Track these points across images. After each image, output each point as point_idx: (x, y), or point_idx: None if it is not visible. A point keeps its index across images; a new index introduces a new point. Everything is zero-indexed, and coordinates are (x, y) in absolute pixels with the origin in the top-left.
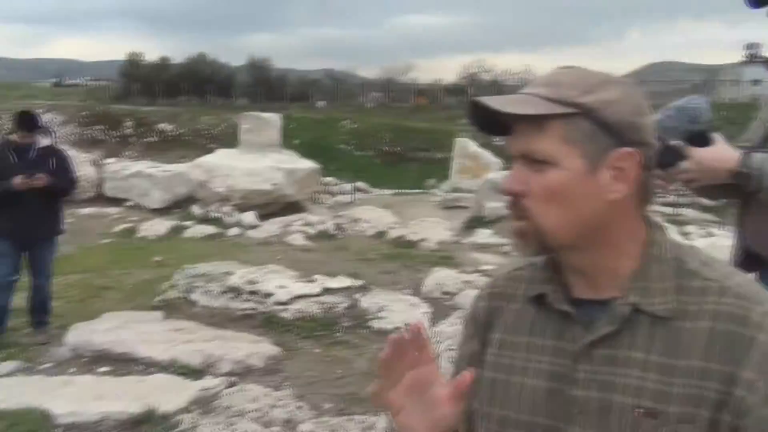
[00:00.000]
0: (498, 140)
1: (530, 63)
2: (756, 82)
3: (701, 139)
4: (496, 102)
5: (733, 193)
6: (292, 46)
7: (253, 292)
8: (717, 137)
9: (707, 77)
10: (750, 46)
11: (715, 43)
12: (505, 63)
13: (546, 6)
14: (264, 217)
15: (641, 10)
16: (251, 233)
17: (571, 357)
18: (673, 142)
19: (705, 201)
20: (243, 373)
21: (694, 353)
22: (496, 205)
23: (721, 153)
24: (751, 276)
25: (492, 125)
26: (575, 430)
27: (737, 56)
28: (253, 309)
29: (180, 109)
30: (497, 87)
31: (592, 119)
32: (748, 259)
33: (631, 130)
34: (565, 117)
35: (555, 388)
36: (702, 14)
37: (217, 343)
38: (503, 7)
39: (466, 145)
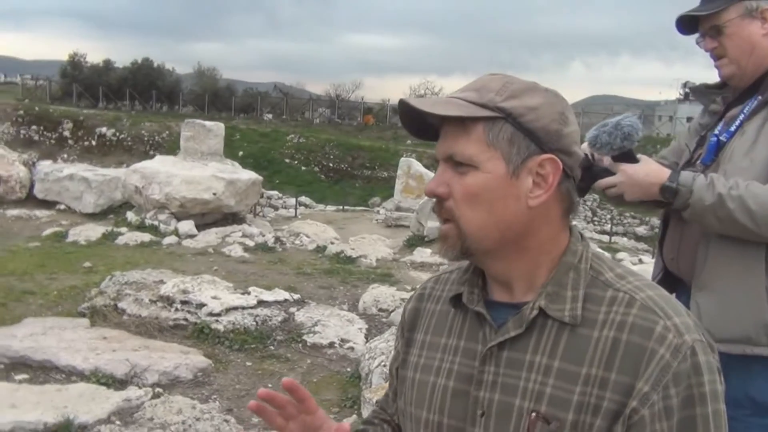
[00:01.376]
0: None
1: None
2: (689, 119)
3: (629, 157)
4: (422, 103)
5: (655, 210)
6: (240, 57)
7: (185, 302)
8: (645, 157)
9: (645, 112)
10: (686, 84)
11: (652, 80)
12: (451, 85)
13: (492, 34)
14: (202, 226)
15: (584, 44)
16: (188, 242)
17: (479, 358)
18: (604, 157)
19: (639, 230)
20: (170, 385)
21: (596, 361)
22: (436, 225)
23: (651, 169)
24: (665, 292)
25: (423, 129)
26: (477, 430)
27: (673, 94)
28: (185, 319)
29: (122, 113)
30: None
31: (515, 124)
32: (667, 278)
33: (552, 137)
34: (488, 120)
35: (461, 388)
36: (642, 51)
37: (143, 353)
38: (452, 33)
39: (411, 165)
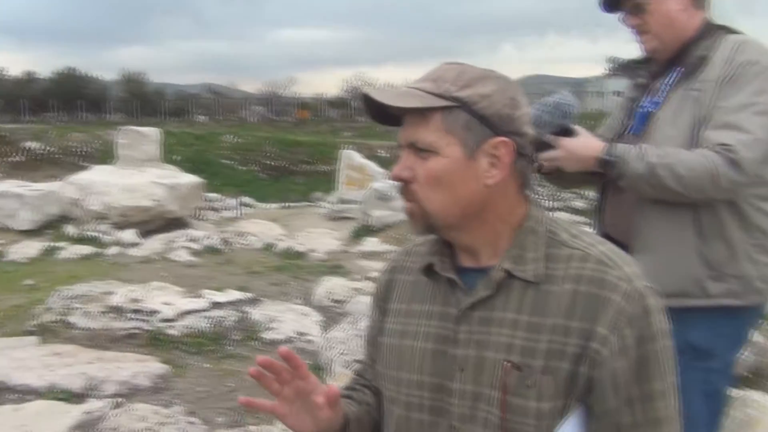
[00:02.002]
0: (382, 152)
1: (410, 76)
2: (618, 93)
3: (567, 131)
4: (383, 96)
5: (583, 184)
6: (167, 60)
7: (136, 311)
8: (581, 130)
9: (575, 89)
10: (612, 59)
11: (580, 57)
12: (385, 76)
13: (423, 22)
14: (145, 234)
15: (512, 25)
16: (132, 251)
17: (454, 320)
18: (544, 133)
19: (577, 204)
20: (129, 394)
21: (559, 312)
22: (382, 214)
23: (588, 142)
24: (614, 246)
25: (385, 117)
26: (456, 385)
27: (600, 70)
28: (138, 328)
29: (48, 126)
30: None
31: (469, 111)
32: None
33: (505, 121)
34: (445, 109)
35: (440, 349)
36: (568, 30)
37: (99, 365)
38: (381, 23)
39: (351, 157)
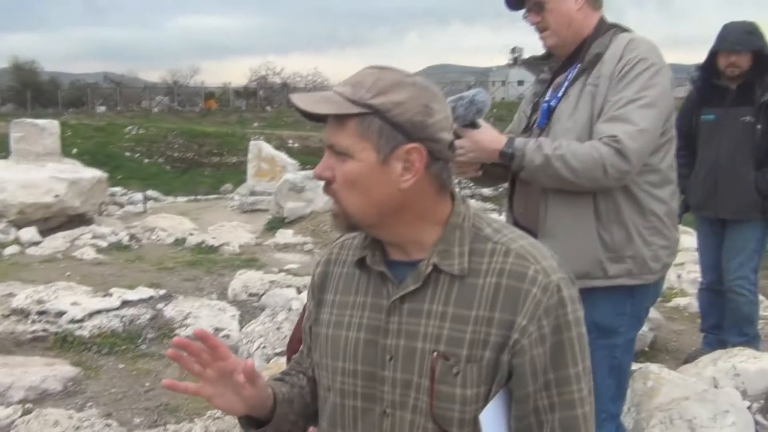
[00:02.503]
0: (292, 142)
1: (317, 65)
2: (521, 82)
3: (474, 125)
4: (303, 102)
5: (503, 180)
6: (61, 48)
7: (42, 312)
8: (486, 124)
9: (479, 78)
10: (514, 50)
11: (483, 47)
12: (292, 65)
13: (330, 11)
14: (46, 232)
15: (417, 14)
16: (32, 250)
17: (384, 311)
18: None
19: (485, 191)
20: (39, 399)
21: (483, 304)
22: (296, 205)
23: (492, 136)
24: (534, 240)
25: (316, 116)
26: (387, 374)
27: (504, 59)
28: (44, 330)
29: None
30: (288, 89)
31: (382, 118)
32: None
33: (417, 128)
34: (359, 116)
35: (371, 339)
36: (471, 19)
37: (4, 371)
38: (286, 10)
39: (261, 148)
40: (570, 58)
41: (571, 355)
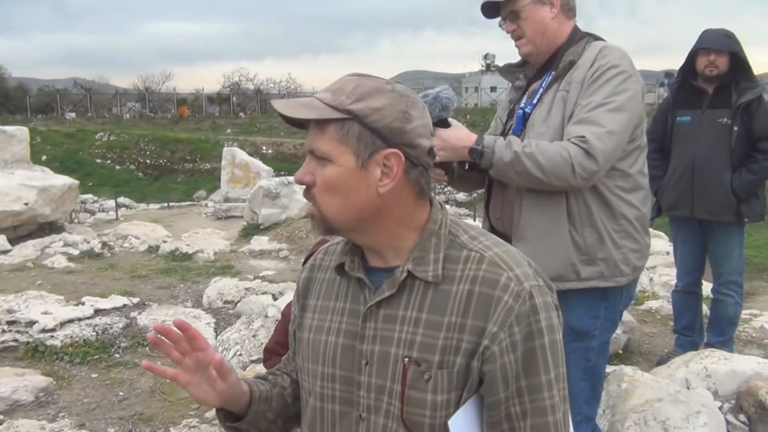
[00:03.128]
0: (266, 149)
1: (291, 71)
2: (493, 88)
3: (444, 123)
4: (284, 107)
5: (479, 185)
6: (30, 53)
7: (12, 322)
8: (456, 122)
9: (452, 84)
10: (486, 56)
11: (456, 53)
12: (266, 71)
13: (303, 17)
14: (15, 240)
15: (389, 22)
16: (1, 259)
17: (361, 317)
18: None
19: (459, 197)
20: (9, 410)
21: (455, 311)
22: (270, 212)
23: (461, 134)
24: (510, 247)
25: (298, 122)
26: (363, 378)
27: (476, 66)
28: (15, 340)
29: None
30: (261, 95)
31: (361, 123)
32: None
33: (395, 134)
34: (338, 121)
35: (348, 344)
36: (444, 27)
37: None
38: (259, 16)
39: (235, 154)
40: (545, 65)
41: (543, 362)
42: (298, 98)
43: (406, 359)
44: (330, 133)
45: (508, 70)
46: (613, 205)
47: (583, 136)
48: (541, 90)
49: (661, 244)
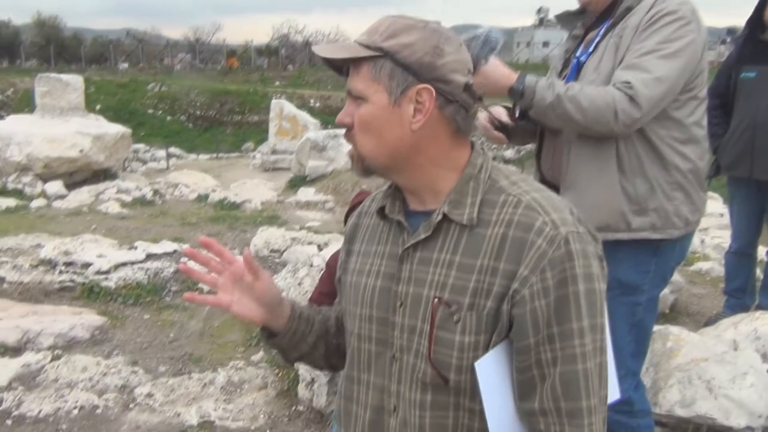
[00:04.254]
0: (314, 102)
1: (339, 23)
2: (545, 44)
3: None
4: (322, 49)
5: (532, 137)
6: (84, 3)
7: (69, 264)
8: (496, 59)
9: (504, 39)
10: (540, 10)
11: (508, 8)
12: (314, 23)
13: None
14: (71, 186)
15: None
16: (58, 204)
17: (398, 259)
18: None
19: (507, 153)
20: (67, 346)
21: (488, 254)
22: (317, 164)
23: (503, 72)
24: (552, 194)
25: (337, 66)
26: (398, 318)
27: (529, 20)
28: (71, 281)
29: None
30: (310, 47)
31: (392, 60)
32: (544, 185)
33: (427, 69)
34: (371, 59)
35: (386, 285)
36: None
37: (33, 318)
38: None
39: (283, 107)
40: (603, 13)
41: (575, 309)
42: (338, 42)
43: (436, 300)
44: (363, 72)
45: (566, 18)
46: (665, 156)
47: (629, 82)
48: (597, 38)
49: (714, 205)
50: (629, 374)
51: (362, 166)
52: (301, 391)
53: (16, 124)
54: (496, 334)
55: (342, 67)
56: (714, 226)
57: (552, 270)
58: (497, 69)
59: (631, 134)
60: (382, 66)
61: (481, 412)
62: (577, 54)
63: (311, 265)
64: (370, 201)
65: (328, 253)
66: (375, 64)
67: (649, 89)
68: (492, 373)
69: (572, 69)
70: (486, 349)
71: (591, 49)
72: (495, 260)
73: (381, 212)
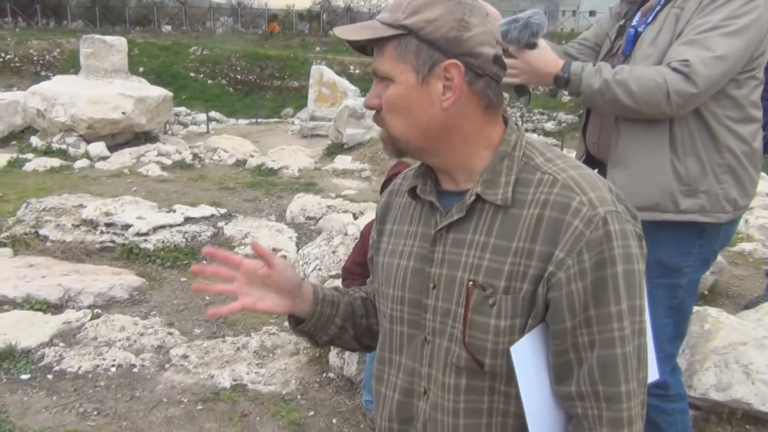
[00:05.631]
0: (353, 68)
1: None
2: (592, 13)
3: (532, 46)
4: (344, 32)
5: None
6: None
7: (109, 224)
8: (544, 44)
9: (548, 7)
10: None
11: None
12: None
13: None
14: (114, 147)
15: None
16: (101, 165)
17: (431, 240)
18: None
19: (548, 126)
20: (106, 305)
21: (524, 236)
22: (355, 132)
23: (548, 59)
24: (589, 171)
25: (361, 46)
26: (430, 301)
27: None
28: (112, 241)
29: (4, 32)
30: (351, 13)
31: (417, 37)
32: (588, 161)
33: (453, 44)
34: (395, 38)
35: (418, 267)
36: None
37: (75, 277)
38: None
39: (323, 73)
40: None
41: (614, 292)
42: (360, 22)
43: (470, 283)
44: (389, 52)
45: None
46: (719, 136)
47: (687, 60)
48: (657, 7)
49: (762, 185)
50: (666, 357)
51: (394, 148)
52: (332, 358)
53: (61, 84)
54: (531, 317)
55: (366, 47)
56: (759, 206)
57: (589, 252)
58: (541, 56)
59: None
60: (407, 44)
61: (517, 396)
62: (634, 23)
63: (346, 234)
64: (402, 179)
65: (363, 222)
66: (399, 42)
67: (708, 68)
68: (528, 357)
69: (628, 39)
70: (521, 333)
71: (650, 19)
72: (530, 242)
73: (412, 192)
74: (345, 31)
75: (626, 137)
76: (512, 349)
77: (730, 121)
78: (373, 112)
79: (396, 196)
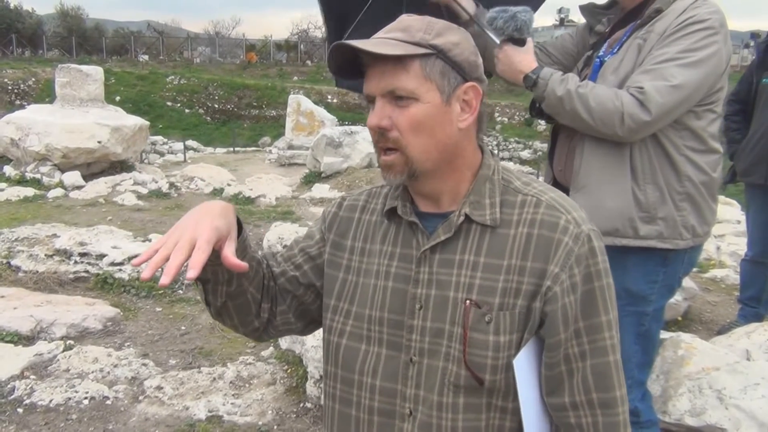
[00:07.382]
0: (331, 98)
1: None
2: None
3: (520, 43)
4: (364, 44)
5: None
6: None
7: (84, 254)
8: (531, 46)
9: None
10: (561, 10)
11: None
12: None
13: None
14: (89, 176)
15: None
16: (75, 194)
17: (415, 261)
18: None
19: (524, 154)
20: (80, 336)
21: (515, 254)
22: (333, 160)
23: (524, 58)
24: (562, 194)
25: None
26: (416, 321)
27: (549, 20)
28: (86, 271)
29: None
30: (328, 43)
31: (444, 58)
32: (555, 186)
33: (472, 67)
34: (423, 57)
35: (400, 288)
36: None
37: (47, 308)
38: None
39: (301, 102)
40: (631, 12)
41: (602, 303)
42: (370, 38)
43: (468, 302)
44: (414, 71)
45: (591, 11)
46: (679, 165)
47: (642, 87)
48: (624, 38)
49: (731, 212)
50: (636, 384)
51: (409, 170)
52: (309, 388)
53: (36, 113)
54: (527, 331)
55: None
56: (731, 233)
57: (578, 266)
58: (520, 53)
59: (644, 140)
60: (433, 64)
61: (512, 411)
62: (600, 53)
63: None
64: (366, 196)
65: None
66: (426, 62)
67: (662, 96)
68: (527, 369)
69: (594, 69)
70: (518, 348)
71: (615, 50)
72: (522, 259)
73: (390, 212)
74: (366, 45)
75: (588, 163)
76: (515, 361)
77: (690, 151)
78: (354, 140)
79: (362, 213)
